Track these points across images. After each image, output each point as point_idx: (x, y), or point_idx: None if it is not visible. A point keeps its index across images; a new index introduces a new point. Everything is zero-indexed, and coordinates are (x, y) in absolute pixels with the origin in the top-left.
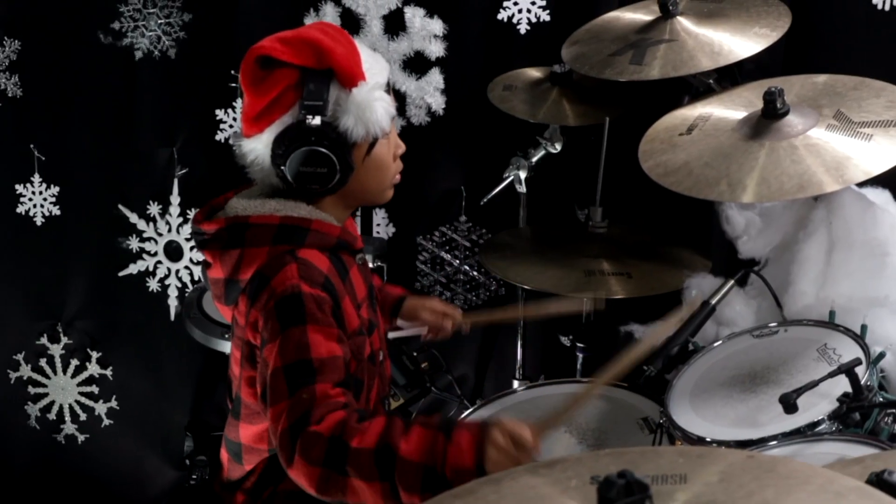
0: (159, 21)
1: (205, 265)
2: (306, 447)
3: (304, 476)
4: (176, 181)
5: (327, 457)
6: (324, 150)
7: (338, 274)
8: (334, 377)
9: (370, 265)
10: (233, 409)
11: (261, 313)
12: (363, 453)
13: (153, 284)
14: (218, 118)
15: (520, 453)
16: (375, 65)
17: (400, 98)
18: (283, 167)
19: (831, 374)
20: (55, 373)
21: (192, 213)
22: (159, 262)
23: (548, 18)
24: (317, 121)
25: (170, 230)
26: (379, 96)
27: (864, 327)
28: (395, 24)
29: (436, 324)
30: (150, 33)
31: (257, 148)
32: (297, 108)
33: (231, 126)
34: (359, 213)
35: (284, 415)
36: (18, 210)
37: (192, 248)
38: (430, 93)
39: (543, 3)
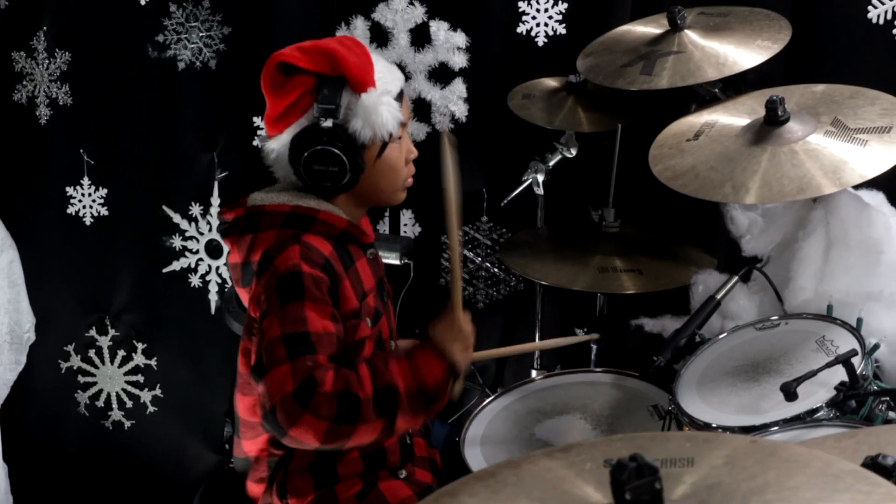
0: (201, 34)
1: (228, 252)
2: (317, 407)
3: (312, 432)
4: (216, 184)
5: (339, 411)
6: (335, 150)
7: (340, 260)
8: (329, 351)
9: (398, 262)
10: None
11: (263, 289)
12: (369, 400)
13: (195, 280)
14: (256, 125)
15: (464, 335)
16: (388, 75)
17: (425, 106)
18: (299, 165)
19: (829, 365)
20: (103, 363)
21: None
22: (201, 259)
23: (564, 32)
24: (329, 123)
25: (210, 229)
26: (386, 101)
27: (859, 320)
28: (420, 37)
29: None
30: (193, 45)
31: (278, 148)
32: (313, 111)
33: None
34: (387, 213)
35: (289, 379)
36: (69, 211)
37: None
38: (453, 101)
39: (560, 18)
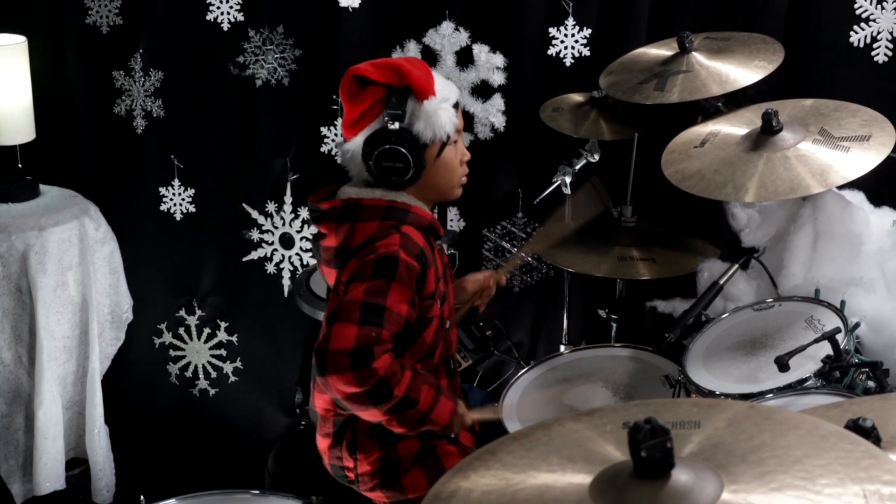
0: (276, 56)
1: (318, 236)
2: (363, 376)
3: (342, 387)
4: (289, 185)
5: (372, 390)
6: (401, 149)
7: (430, 249)
8: (394, 329)
9: (446, 252)
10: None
11: (359, 261)
12: (396, 399)
13: (270, 268)
14: (322, 134)
15: (465, 425)
16: (446, 87)
17: (468, 118)
18: (370, 162)
19: (816, 340)
20: (191, 339)
21: (302, 211)
22: (275, 249)
23: (588, 54)
24: (396, 126)
25: (284, 224)
26: (445, 107)
27: (843, 302)
28: (465, 58)
29: (482, 286)
30: (268, 65)
31: (353, 149)
32: (383, 116)
33: (333, 140)
34: (435, 209)
35: (351, 339)
36: (162, 208)
37: (301, 238)
38: (493, 114)
39: (585, 42)
